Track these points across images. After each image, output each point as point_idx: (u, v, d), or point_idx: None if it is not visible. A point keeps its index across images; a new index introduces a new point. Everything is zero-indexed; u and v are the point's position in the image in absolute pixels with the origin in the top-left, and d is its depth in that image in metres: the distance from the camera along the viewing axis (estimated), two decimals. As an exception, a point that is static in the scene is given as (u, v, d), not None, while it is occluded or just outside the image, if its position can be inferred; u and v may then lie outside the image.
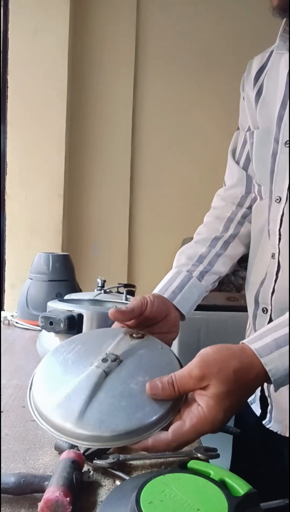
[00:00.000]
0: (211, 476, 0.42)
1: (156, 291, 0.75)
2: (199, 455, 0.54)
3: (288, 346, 0.52)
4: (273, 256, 0.73)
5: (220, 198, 0.91)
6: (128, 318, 0.65)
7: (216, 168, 2.31)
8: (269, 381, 0.52)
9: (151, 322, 0.68)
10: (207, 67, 2.26)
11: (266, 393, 0.79)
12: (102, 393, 0.52)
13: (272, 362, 0.51)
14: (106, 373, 0.54)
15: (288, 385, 0.60)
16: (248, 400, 0.84)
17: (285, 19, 0.72)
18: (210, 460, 0.54)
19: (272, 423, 0.77)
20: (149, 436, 0.49)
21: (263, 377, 0.51)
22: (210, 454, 0.55)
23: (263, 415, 0.80)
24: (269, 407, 0.78)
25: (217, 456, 0.55)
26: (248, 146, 0.83)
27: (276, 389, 0.53)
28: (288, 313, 0.56)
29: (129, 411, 0.50)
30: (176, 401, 0.52)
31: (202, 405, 0.49)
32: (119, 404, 0.51)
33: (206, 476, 0.42)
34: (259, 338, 0.53)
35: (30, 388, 0.56)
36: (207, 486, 0.40)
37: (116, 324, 0.67)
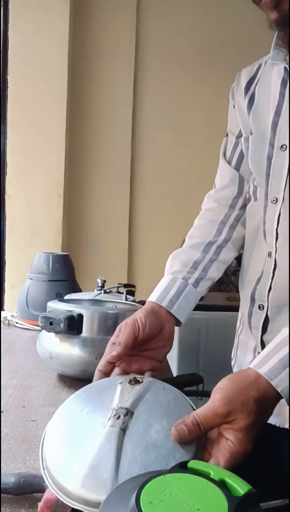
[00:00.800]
0: (211, 476, 0.42)
1: (152, 299, 0.75)
2: (199, 455, 0.54)
3: None
4: (269, 255, 0.75)
5: (212, 200, 0.91)
6: (123, 356, 0.64)
7: (216, 168, 2.31)
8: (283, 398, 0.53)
9: (146, 340, 0.68)
10: (207, 66, 2.26)
11: None
12: (127, 452, 0.49)
13: (281, 382, 0.52)
14: (124, 431, 0.51)
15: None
16: None
17: (276, 32, 0.76)
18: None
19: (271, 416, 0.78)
20: None
21: (278, 397, 0.53)
22: (210, 454, 0.55)
23: None
24: None
25: (217, 456, 0.55)
26: (240, 148, 0.85)
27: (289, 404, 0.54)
28: (285, 329, 0.57)
29: (162, 463, 0.48)
30: (200, 440, 0.51)
31: (232, 439, 0.49)
32: (149, 459, 0.48)
33: (206, 476, 0.42)
34: (265, 362, 0.54)
35: (43, 462, 0.50)
36: (207, 486, 0.40)
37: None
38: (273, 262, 0.74)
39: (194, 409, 0.56)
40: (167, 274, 0.81)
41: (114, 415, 0.53)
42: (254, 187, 0.82)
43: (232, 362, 0.96)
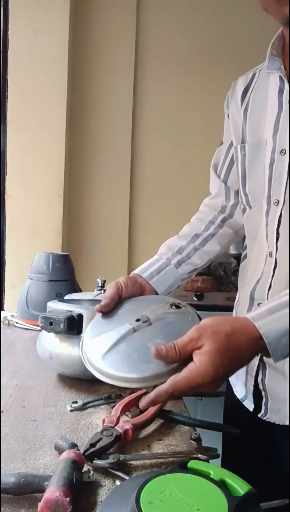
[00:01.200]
0: (211, 476, 0.42)
1: (136, 271, 0.87)
2: (199, 455, 0.54)
3: (280, 312, 0.59)
4: (270, 254, 0.79)
5: (204, 205, 1.05)
6: (111, 307, 0.74)
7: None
8: (263, 349, 0.58)
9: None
10: (207, 67, 2.26)
11: (261, 387, 0.82)
12: (124, 344, 0.64)
13: (265, 325, 0.58)
14: (134, 330, 0.66)
15: (286, 377, 0.69)
16: (240, 398, 0.88)
17: (271, 43, 0.81)
18: (210, 460, 0.54)
19: (269, 415, 0.81)
20: (145, 386, 0.61)
21: (256, 341, 0.57)
22: (210, 454, 0.55)
23: (257, 409, 0.84)
24: (264, 400, 0.82)
25: (217, 456, 0.55)
26: (230, 159, 0.93)
27: (275, 360, 0.58)
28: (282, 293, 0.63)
29: (136, 363, 0.61)
30: (180, 367, 0.58)
31: (196, 361, 0.56)
32: (132, 355, 0.62)
33: (206, 476, 0.42)
34: (253, 310, 0.62)
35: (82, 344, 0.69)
36: (207, 486, 0.40)
37: None
38: (274, 261, 0.78)
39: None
40: (155, 256, 0.93)
41: (137, 319, 0.68)
42: (245, 197, 0.86)
43: None
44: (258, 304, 0.81)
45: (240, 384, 0.89)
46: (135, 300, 0.77)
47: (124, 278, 0.80)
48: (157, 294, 0.84)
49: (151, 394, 0.57)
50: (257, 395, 0.84)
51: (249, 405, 0.85)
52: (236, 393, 0.90)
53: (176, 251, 0.92)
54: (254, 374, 0.83)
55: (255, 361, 0.82)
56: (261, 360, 0.81)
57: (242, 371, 0.86)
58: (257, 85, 0.87)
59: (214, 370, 0.55)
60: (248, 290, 0.85)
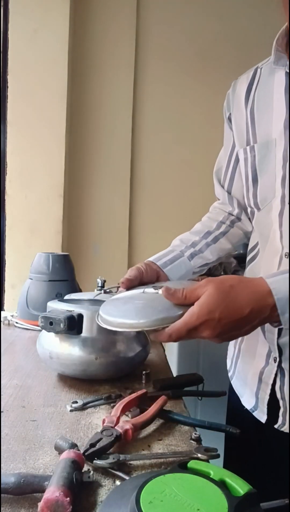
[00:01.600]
0: (211, 476, 0.42)
1: (151, 259, 0.89)
2: (199, 455, 0.54)
3: None
4: (286, 255, 0.76)
5: (214, 207, 1.07)
6: (133, 285, 0.78)
7: (216, 168, 2.32)
8: (268, 310, 0.58)
9: (147, 284, 0.80)
10: (207, 67, 2.26)
11: (279, 395, 0.78)
12: (133, 300, 0.72)
13: (276, 282, 0.59)
14: (144, 292, 0.73)
15: None
16: (249, 408, 0.83)
17: (275, 39, 0.79)
18: (210, 460, 0.54)
19: (288, 425, 0.76)
20: (155, 328, 0.62)
21: (262, 297, 0.59)
22: (210, 454, 0.55)
23: (272, 419, 0.79)
24: (282, 409, 0.77)
25: (217, 456, 0.55)
26: (247, 160, 0.87)
27: (284, 324, 0.60)
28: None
29: (143, 311, 0.67)
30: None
31: (195, 304, 0.59)
32: (139, 307, 0.69)
33: (206, 476, 0.42)
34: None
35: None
36: (207, 486, 0.40)
37: None
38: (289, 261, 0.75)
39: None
40: (169, 248, 0.95)
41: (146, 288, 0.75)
42: (254, 199, 0.84)
43: (230, 374, 0.96)
44: None
45: (249, 394, 0.84)
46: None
47: (142, 263, 0.84)
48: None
49: (151, 336, 0.63)
50: (274, 405, 0.78)
51: (261, 416, 0.81)
52: (244, 404, 0.85)
53: (189, 245, 0.94)
54: (271, 381, 0.78)
55: (273, 367, 0.78)
56: (279, 366, 0.77)
57: (252, 380, 0.83)
58: (261, 83, 0.84)
59: (208, 311, 0.57)
60: None
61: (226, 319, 0.58)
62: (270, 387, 0.78)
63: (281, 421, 0.77)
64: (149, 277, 0.83)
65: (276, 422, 0.78)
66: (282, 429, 0.77)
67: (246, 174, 0.86)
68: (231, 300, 0.58)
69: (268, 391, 0.79)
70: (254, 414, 0.82)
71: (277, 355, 0.77)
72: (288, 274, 0.60)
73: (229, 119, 0.92)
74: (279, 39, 0.79)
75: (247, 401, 0.84)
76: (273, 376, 0.78)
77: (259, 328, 0.81)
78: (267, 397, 0.79)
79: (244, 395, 0.86)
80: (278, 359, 0.77)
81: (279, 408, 0.77)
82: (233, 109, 0.90)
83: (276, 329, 0.76)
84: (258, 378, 0.81)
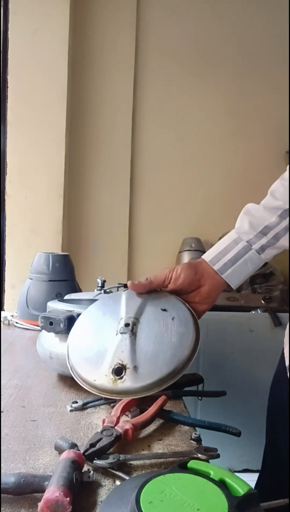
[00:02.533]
0: (211, 476, 0.42)
1: (207, 258, 0.74)
2: (199, 455, 0.54)
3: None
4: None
5: None
6: (145, 290, 0.72)
7: (216, 168, 2.32)
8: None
9: (178, 292, 0.73)
10: (207, 65, 2.26)
11: None
12: (140, 344, 0.66)
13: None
14: (135, 335, 0.68)
15: None
16: None
17: None
18: (210, 460, 0.54)
19: None
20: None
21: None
22: (210, 454, 0.55)
23: None
24: None
25: (217, 456, 0.55)
26: None
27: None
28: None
29: (168, 346, 0.66)
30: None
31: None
32: (158, 346, 0.66)
33: (206, 476, 0.42)
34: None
35: (74, 373, 0.70)
36: (207, 486, 0.40)
37: None
38: None
39: (187, 307, 0.71)
40: (234, 231, 0.75)
41: (125, 324, 0.69)
42: None
43: (289, 374, 0.81)
44: None
45: None
46: (100, 307, 0.77)
47: (180, 266, 0.72)
48: (229, 286, 0.75)
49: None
50: None
51: None
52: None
53: (260, 231, 0.73)
54: None
55: None
56: None
57: None
58: None
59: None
60: None
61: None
62: None
63: None
64: (182, 285, 0.71)
65: None
66: None
67: None
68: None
69: None
70: None
71: None
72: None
73: None
74: None
75: None
76: None
77: None
78: None
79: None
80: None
81: None
82: None
83: None
84: None
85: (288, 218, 0.73)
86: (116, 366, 0.65)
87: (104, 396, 0.65)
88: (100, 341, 0.69)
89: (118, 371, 0.64)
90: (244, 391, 1.86)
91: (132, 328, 0.68)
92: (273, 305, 2.06)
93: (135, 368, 0.64)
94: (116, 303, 0.74)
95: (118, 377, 0.64)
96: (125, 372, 0.64)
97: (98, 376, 0.65)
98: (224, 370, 1.83)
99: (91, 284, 1.40)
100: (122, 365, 0.64)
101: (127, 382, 0.63)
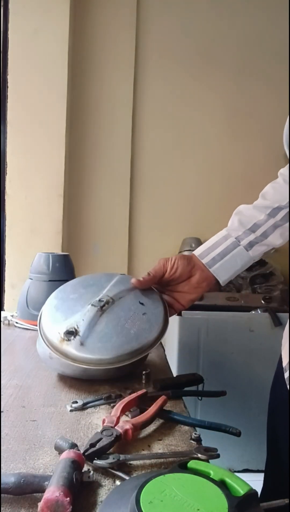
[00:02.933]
0: (211, 476, 0.42)
1: (196, 253, 0.78)
2: (199, 455, 0.54)
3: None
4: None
5: (281, 174, 0.83)
6: (149, 286, 0.76)
7: (216, 168, 2.32)
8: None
9: (170, 283, 0.77)
10: (207, 66, 2.27)
11: None
12: (101, 325, 0.70)
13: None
14: (102, 312, 0.72)
15: None
16: None
17: None
18: (210, 460, 0.54)
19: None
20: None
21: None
22: (210, 454, 0.55)
23: None
24: None
25: (217, 456, 0.55)
26: None
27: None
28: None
29: (126, 338, 0.70)
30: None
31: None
32: (116, 333, 0.70)
33: (206, 476, 0.42)
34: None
35: (40, 321, 0.75)
36: (207, 486, 0.40)
37: None
38: None
39: (165, 312, 0.74)
40: (224, 229, 0.79)
41: (99, 299, 0.73)
42: None
43: (286, 375, 0.81)
44: None
45: None
46: (85, 280, 0.81)
47: (175, 257, 0.77)
48: (218, 283, 0.78)
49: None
50: None
51: None
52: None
53: (249, 228, 0.76)
54: None
55: None
56: None
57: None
58: None
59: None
60: None
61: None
62: None
63: None
64: (175, 275, 0.75)
65: None
66: None
67: None
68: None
69: None
70: None
71: None
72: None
73: None
74: None
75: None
76: None
77: None
78: None
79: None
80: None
81: None
82: None
83: None
84: None
85: (277, 216, 0.76)
86: (70, 329, 0.70)
87: (49, 349, 0.71)
88: (74, 304, 0.74)
89: (69, 334, 0.69)
90: (244, 391, 1.86)
91: (103, 305, 0.72)
92: (273, 305, 2.06)
93: (84, 338, 0.68)
94: (107, 281, 0.78)
95: (67, 339, 0.69)
96: (74, 338, 0.69)
97: (53, 331, 0.71)
98: (224, 370, 1.83)
99: (91, 284, 1.40)
100: (76, 330, 0.69)
101: (71, 347, 0.68)
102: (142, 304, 0.74)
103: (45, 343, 0.71)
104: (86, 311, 0.72)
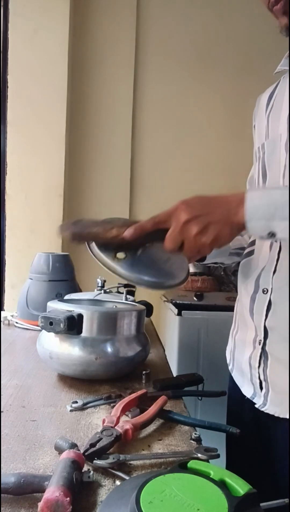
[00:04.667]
0: (211, 476, 0.42)
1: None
2: (199, 455, 0.54)
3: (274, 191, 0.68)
4: (276, 239, 0.77)
5: None
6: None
7: (216, 168, 2.32)
8: (239, 205, 0.68)
9: None
10: (207, 65, 2.26)
11: (262, 377, 0.79)
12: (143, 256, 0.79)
13: (253, 193, 0.68)
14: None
15: (286, 368, 0.66)
16: (249, 397, 0.83)
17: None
18: (210, 460, 0.54)
19: (269, 406, 0.78)
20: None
21: (236, 194, 0.69)
22: (210, 454, 0.55)
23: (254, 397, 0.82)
24: (264, 390, 0.79)
25: (217, 456, 0.55)
26: (259, 159, 0.87)
27: (250, 231, 0.67)
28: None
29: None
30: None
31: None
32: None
33: (206, 476, 0.42)
34: None
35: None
36: (207, 486, 0.40)
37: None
38: (279, 245, 0.77)
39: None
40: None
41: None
42: None
43: (230, 367, 0.95)
44: (263, 291, 0.79)
45: (246, 382, 0.86)
46: None
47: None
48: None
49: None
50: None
51: (259, 401, 0.82)
52: (245, 393, 0.86)
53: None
54: (257, 365, 0.80)
55: (257, 351, 0.80)
56: (263, 349, 0.79)
57: (246, 367, 0.84)
58: (279, 90, 0.88)
59: (181, 201, 0.72)
60: (253, 277, 0.82)
61: (196, 198, 0.71)
62: (257, 370, 0.80)
63: (262, 401, 0.79)
64: None
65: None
66: (263, 409, 0.78)
67: (258, 171, 0.87)
68: (202, 197, 0.71)
69: (257, 375, 0.80)
70: (255, 400, 0.82)
71: (262, 337, 0.78)
72: (269, 191, 0.68)
73: (254, 127, 0.94)
74: None
75: (247, 390, 0.85)
76: (258, 359, 0.80)
77: (248, 313, 0.83)
78: (258, 381, 0.80)
79: (243, 385, 0.87)
80: (262, 342, 0.78)
81: (262, 389, 0.79)
82: (256, 118, 0.93)
83: (264, 310, 0.77)
84: (249, 364, 0.83)
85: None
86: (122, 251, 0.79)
87: (99, 262, 0.80)
88: None
89: (121, 254, 0.79)
90: (244, 391, 1.85)
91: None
92: (273, 305, 2.06)
93: (133, 261, 0.77)
94: None
95: (118, 258, 0.78)
96: (124, 259, 0.77)
97: (108, 250, 0.80)
98: (224, 370, 1.82)
99: (91, 284, 1.40)
100: (127, 254, 0.78)
101: (120, 265, 0.76)
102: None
103: (97, 255, 0.81)
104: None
